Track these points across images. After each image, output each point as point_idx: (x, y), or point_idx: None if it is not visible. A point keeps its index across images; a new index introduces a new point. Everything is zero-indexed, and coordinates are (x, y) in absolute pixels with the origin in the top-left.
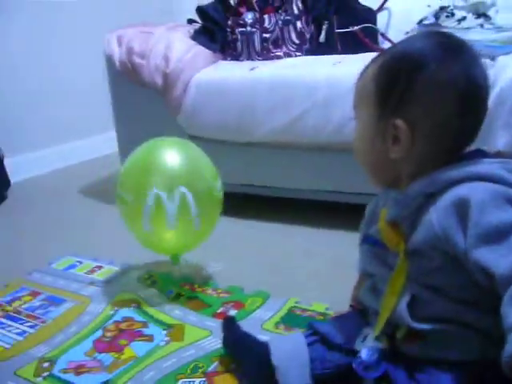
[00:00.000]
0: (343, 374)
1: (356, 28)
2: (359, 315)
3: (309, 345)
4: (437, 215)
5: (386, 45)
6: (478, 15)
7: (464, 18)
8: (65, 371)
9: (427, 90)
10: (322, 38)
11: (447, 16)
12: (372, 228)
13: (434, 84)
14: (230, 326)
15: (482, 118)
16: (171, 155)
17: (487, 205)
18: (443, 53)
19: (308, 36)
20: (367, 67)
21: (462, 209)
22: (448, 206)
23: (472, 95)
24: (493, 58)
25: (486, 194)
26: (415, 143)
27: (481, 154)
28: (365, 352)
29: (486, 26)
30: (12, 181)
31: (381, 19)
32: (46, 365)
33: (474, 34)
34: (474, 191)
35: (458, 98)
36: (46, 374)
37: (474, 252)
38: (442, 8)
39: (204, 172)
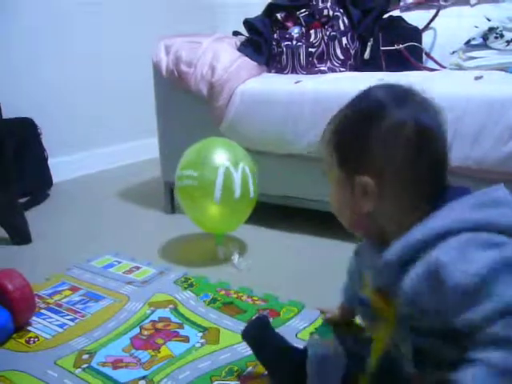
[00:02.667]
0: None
1: (401, 46)
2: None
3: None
4: (408, 281)
5: (431, 64)
6: None
7: None
8: (103, 364)
9: (380, 141)
10: (366, 54)
11: (496, 37)
12: (363, 289)
13: (386, 134)
14: (264, 326)
15: (442, 158)
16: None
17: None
18: (390, 104)
19: (353, 52)
20: (324, 131)
21: (433, 274)
22: (419, 271)
23: (424, 137)
24: None
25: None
26: (383, 192)
27: (459, 193)
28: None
29: None
30: (54, 180)
31: (426, 38)
32: (85, 357)
33: None
34: (445, 251)
35: (410, 142)
36: (85, 365)
37: (459, 319)
38: (491, 29)
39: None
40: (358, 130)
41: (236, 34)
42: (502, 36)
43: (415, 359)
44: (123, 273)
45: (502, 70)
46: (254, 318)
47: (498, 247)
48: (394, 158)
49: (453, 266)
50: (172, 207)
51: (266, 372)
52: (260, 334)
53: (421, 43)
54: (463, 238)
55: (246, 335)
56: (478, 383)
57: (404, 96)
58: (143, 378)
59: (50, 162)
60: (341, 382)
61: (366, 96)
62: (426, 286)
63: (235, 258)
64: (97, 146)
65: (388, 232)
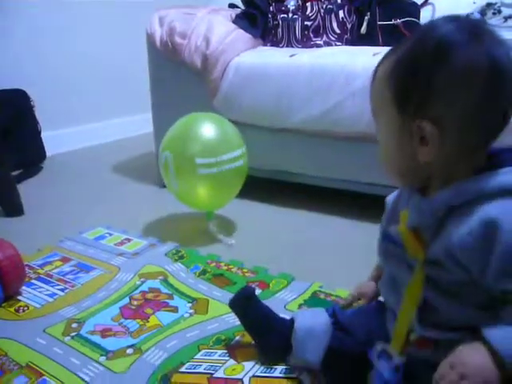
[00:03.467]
0: (355, 360)
1: (398, 21)
2: (380, 310)
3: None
4: (459, 233)
5: None
6: None
7: (511, 17)
8: (92, 333)
9: (449, 82)
10: (363, 29)
11: (494, 13)
12: (392, 227)
13: (456, 74)
14: (249, 296)
15: (509, 104)
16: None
17: None
18: (462, 39)
19: (349, 26)
20: (379, 65)
21: (488, 234)
22: (473, 226)
23: (497, 78)
24: None
25: None
26: (444, 142)
27: None
28: (385, 369)
29: None
30: (48, 154)
31: (425, 14)
32: (74, 325)
33: None
34: (506, 213)
35: (482, 84)
36: (74, 333)
37: (498, 284)
38: (489, 4)
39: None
40: (425, 67)
41: (232, 6)
42: (499, 12)
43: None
44: (114, 245)
45: None
46: (241, 288)
47: None
48: (461, 102)
49: None
50: (164, 181)
51: (253, 342)
52: (246, 304)
53: (419, 18)
54: None
55: (233, 304)
56: None
57: (477, 30)
58: (131, 346)
59: (44, 135)
60: (323, 354)
61: (433, 28)
62: (476, 242)
63: (222, 236)
64: (91, 120)
65: (436, 179)
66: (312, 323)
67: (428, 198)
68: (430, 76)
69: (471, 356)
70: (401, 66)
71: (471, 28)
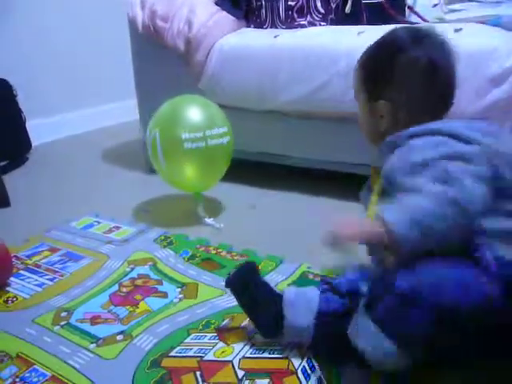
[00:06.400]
0: (344, 316)
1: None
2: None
3: (320, 292)
4: (391, 161)
5: (413, 18)
6: None
7: None
8: (81, 321)
9: (398, 73)
10: (347, 8)
11: None
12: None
13: (403, 67)
14: (252, 270)
15: (449, 91)
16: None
17: (418, 148)
18: (409, 42)
19: (334, 6)
20: (361, 56)
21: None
22: (398, 153)
23: (433, 72)
24: None
25: (425, 142)
26: (397, 117)
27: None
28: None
29: None
30: (33, 144)
31: None
32: (63, 314)
33: (504, 7)
34: (419, 142)
35: (421, 77)
36: (63, 322)
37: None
38: None
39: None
40: (380, 62)
41: None
42: None
43: None
44: (103, 233)
45: (482, 22)
46: (241, 263)
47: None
48: (408, 87)
49: (417, 148)
50: (152, 167)
51: (243, 323)
52: (248, 277)
53: None
54: (437, 139)
55: (233, 279)
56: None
57: (422, 36)
58: (121, 332)
59: (29, 124)
60: (314, 318)
61: (390, 34)
62: (397, 163)
63: (210, 220)
64: (75, 107)
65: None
66: (302, 289)
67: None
68: (385, 71)
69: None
70: (367, 63)
71: (416, 35)
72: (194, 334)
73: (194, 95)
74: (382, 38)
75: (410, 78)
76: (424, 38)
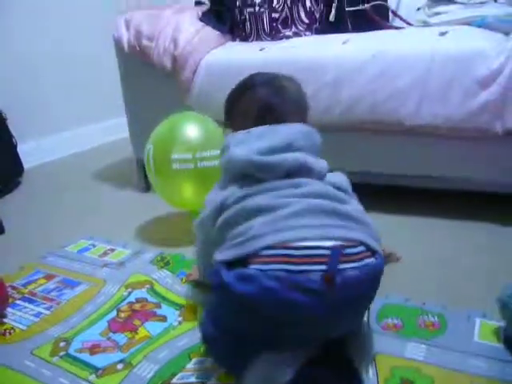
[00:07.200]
0: None
1: (367, 6)
2: None
3: None
4: None
5: (397, 22)
6: None
7: None
8: (80, 351)
9: (237, 112)
10: (331, 16)
11: None
12: None
13: (240, 108)
14: None
15: (277, 118)
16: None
17: None
18: (243, 90)
19: (318, 15)
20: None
21: None
22: None
23: (263, 108)
24: (507, 33)
25: None
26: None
27: None
28: None
29: (501, 0)
30: (25, 167)
31: None
32: (62, 344)
33: (487, 8)
34: None
35: (257, 112)
36: (62, 353)
37: None
38: None
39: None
40: (231, 103)
41: (198, 3)
42: None
43: None
44: (99, 256)
45: (467, 24)
46: None
47: None
48: (245, 120)
49: None
50: (146, 185)
51: None
52: None
53: (386, 1)
54: None
55: None
56: None
57: (254, 83)
58: (121, 361)
59: (20, 148)
60: None
61: (244, 79)
62: None
63: None
64: (66, 129)
65: None
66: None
67: None
68: (231, 107)
69: None
70: (225, 101)
71: (252, 82)
72: (195, 359)
73: (195, 113)
74: (239, 82)
75: (246, 115)
76: (255, 85)
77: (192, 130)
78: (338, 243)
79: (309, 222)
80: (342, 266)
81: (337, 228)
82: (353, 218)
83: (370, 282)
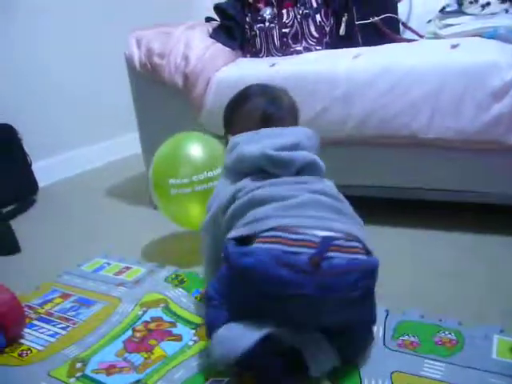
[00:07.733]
0: None
1: (376, 19)
2: None
3: None
4: None
5: (408, 34)
6: (503, 0)
7: (488, 4)
8: (96, 372)
9: (238, 119)
10: (342, 30)
11: (470, 2)
12: None
13: (241, 116)
14: None
15: (276, 123)
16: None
17: None
18: (249, 96)
19: (328, 29)
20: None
21: None
22: None
23: (263, 117)
24: None
25: None
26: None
27: None
28: None
29: None
30: (40, 185)
31: (402, 8)
32: (78, 365)
33: (499, 19)
34: None
35: (257, 119)
36: (79, 374)
37: None
38: None
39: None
40: (230, 112)
41: (208, 19)
42: (476, 1)
43: None
44: (114, 274)
45: (478, 35)
46: None
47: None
48: (246, 127)
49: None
50: None
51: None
52: None
53: (397, 14)
54: None
55: None
56: None
57: (251, 94)
58: (137, 381)
59: (34, 166)
60: None
61: (242, 90)
62: None
63: None
64: (79, 146)
65: None
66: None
67: None
68: (231, 115)
69: None
70: (224, 110)
71: (248, 93)
72: (211, 379)
73: (197, 133)
74: (236, 93)
75: (249, 122)
76: (252, 95)
77: (190, 153)
78: (332, 234)
79: (312, 214)
80: (330, 254)
81: (340, 223)
82: (353, 217)
83: (358, 276)
